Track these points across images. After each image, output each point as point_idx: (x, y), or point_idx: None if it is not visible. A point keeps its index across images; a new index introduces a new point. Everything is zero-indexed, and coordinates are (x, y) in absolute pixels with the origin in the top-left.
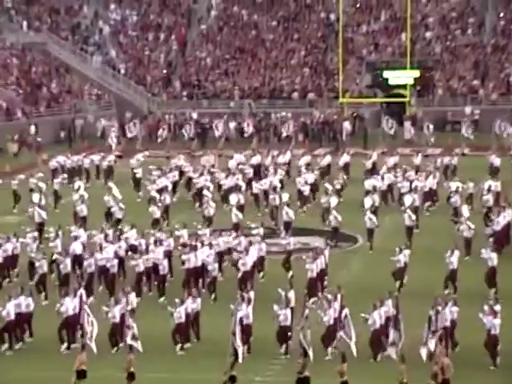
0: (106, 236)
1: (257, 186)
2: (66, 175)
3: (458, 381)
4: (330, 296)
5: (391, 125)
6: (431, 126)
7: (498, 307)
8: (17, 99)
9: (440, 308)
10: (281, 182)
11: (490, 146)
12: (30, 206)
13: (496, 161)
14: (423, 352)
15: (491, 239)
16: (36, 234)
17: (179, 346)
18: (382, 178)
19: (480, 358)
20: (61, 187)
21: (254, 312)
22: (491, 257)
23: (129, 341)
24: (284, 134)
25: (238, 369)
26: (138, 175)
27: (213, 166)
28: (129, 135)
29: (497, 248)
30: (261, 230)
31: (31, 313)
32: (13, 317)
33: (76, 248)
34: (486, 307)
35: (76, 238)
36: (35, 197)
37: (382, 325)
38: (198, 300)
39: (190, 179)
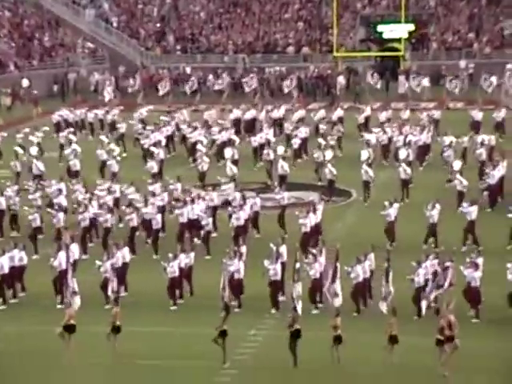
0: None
1: (256, 140)
2: (72, 129)
3: None
4: (315, 251)
5: (376, 79)
6: (426, 80)
7: (479, 260)
8: (9, 52)
9: (448, 264)
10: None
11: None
12: (29, 159)
13: (478, 115)
14: (423, 304)
15: (485, 193)
16: (16, 187)
17: (172, 301)
18: (384, 132)
19: (463, 311)
20: (66, 141)
21: (248, 267)
22: (470, 211)
23: (109, 293)
24: (286, 90)
25: (232, 323)
26: (121, 130)
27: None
28: (130, 90)
29: (491, 201)
30: (231, 185)
31: (24, 266)
32: (7, 270)
33: (62, 202)
34: (467, 260)
35: (60, 191)
36: (33, 149)
37: (365, 278)
38: (192, 254)
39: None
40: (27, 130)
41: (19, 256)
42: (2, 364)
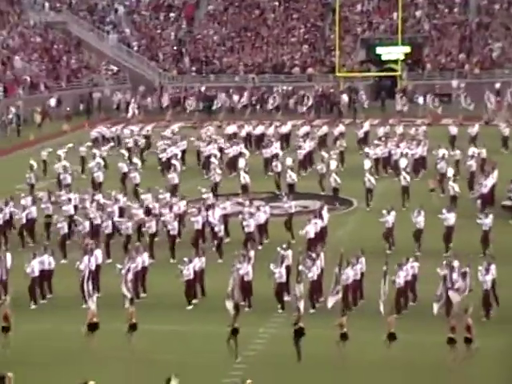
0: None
1: (267, 152)
2: (112, 143)
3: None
4: (313, 255)
5: (364, 99)
6: (421, 98)
7: (455, 263)
8: (40, 74)
9: (455, 265)
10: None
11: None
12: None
13: (453, 130)
14: (435, 307)
15: (479, 201)
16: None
17: (188, 301)
18: (385, 146)
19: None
20: (88, 154)
21: (256, 270)
22: (447, 217)
23: (125, 292)
24: (305, 108)
25: (243, 322)
26: (129, 145)
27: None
28: (164, 104)
29: (483, 208)
30: (210, 195)
31: (52, 270)
32: (37, 273)
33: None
34: (444, 263)
35: (69, 200)
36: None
37: (355, 280)
38: (203, 258)
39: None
40: (70, 145)
41: (48, 261)
42: (34, 358)
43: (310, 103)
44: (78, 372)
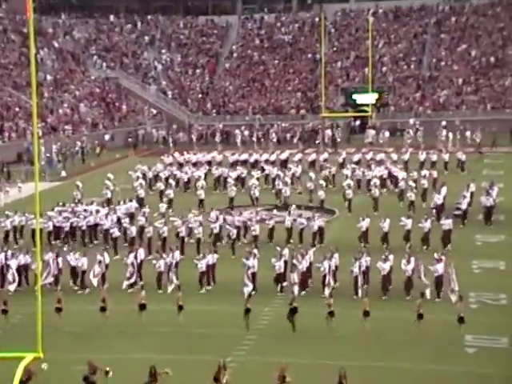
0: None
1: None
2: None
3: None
4: (302, 250)
5: (338, 134)
6: (386, 133)
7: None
8: (99, 116)
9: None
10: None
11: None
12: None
13: (405, 156)
14: (452, 296)
15: (434, 211)
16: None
17: (202, 287)
18: (359, 169)
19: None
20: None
21: (262, 264)
22: (407, 223)
23: (175, 281)
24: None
25: (252, 303)
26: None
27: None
28: (194, 138)
29: (438, 216)
30: (200, 217)
31: (107, 265)
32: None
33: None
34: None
35: (98, 211)
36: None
37: (332, 271)
38: (215, 255)
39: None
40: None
41: (103, 258)
42: (91, 331)
43: (297, 136)
44: (131, 344)
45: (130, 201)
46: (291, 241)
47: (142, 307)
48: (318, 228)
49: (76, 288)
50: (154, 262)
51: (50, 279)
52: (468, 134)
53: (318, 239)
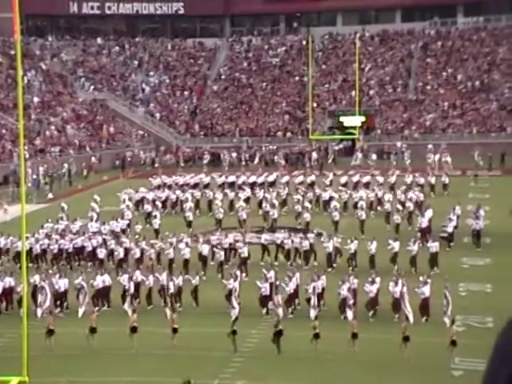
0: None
1: (260, 195)
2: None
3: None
4: (290, 272)
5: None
6: (374, 155)
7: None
8: (86, 138)
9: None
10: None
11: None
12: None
13: (393, 178)
14: (446, 320)
15: (419, 234)
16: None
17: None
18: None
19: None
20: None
21: (246, 285)
22: (394, 246)
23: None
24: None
25: (239, 325)
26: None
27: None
28: (182, 164)
29: (423, 239)
30: (188, 240)
31: (110, 286)
32: (101, 286)
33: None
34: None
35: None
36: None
37: (318, 293)
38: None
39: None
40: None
41: (108, 278)
42: (80, 353)
43: (282, 160)
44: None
45: (116, 220)
46: (314, 263)
47: (134, 330)
48: (333, 248)
49: (57, 311)
50: (144, 278)
51: (47, 304)
52: (476, 154)
53: (333, 260)
